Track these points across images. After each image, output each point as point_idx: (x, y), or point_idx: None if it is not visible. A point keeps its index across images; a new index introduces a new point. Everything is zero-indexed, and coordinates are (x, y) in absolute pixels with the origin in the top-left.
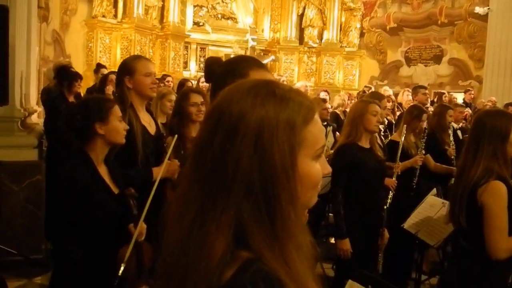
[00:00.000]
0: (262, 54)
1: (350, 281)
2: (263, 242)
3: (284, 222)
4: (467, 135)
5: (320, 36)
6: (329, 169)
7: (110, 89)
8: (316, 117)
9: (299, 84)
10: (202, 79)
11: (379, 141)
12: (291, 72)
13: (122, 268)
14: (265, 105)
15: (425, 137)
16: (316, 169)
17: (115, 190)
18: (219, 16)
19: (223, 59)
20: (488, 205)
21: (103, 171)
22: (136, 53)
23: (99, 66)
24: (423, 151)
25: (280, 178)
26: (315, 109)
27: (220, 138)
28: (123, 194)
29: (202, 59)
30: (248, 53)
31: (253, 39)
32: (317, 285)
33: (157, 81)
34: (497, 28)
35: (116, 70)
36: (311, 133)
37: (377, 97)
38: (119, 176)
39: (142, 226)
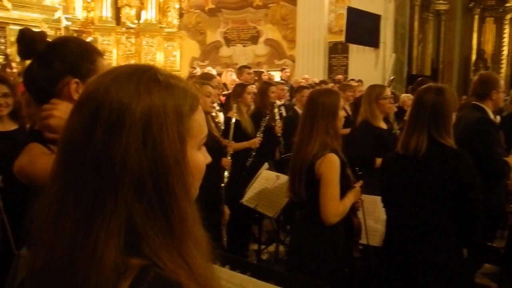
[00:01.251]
0: (76, 35)
1: None
2: (159, 243)
3: (181, 218)
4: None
5: (138, 17)
6: (209, 158)
7: None
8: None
9: None
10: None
11: (217, 120)
12: (109, 54)
13: None
14: (150, 93)
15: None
16: (202, 159)
17: None
18: None
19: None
20: (324, 176)
21: None
22: None
23: None
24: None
25: (173, 171)
26: (199, 96)
27: (101, 132)
28: None
29: (1, 40)
30: (62, 34)
31: (66, 18)
32: (217, 280)
33: None
34: (305, 12)
35: None
36: (197, 122)
37: (208, 77)
38: None
39: None
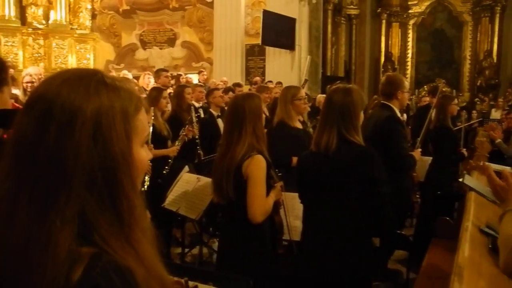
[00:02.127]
0: None
1: None
2: (109, 232)
3: (129, 208)
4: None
5: (46, 17)
6: (150, 155)
7: None
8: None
9: (33, 70)
10: None
11: None
12: (15, 56)
13: None
14: (99, 94)
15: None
16: (145, 155)
17: None
18: None
19: None
20: (251, 176)
21: None
22: None
23: None
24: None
25: (121, 165)
26: (142, 97)
27: (54, 131)
28: None
29: None
30: None
31: None
32: (162, 264)
33: None
34: (222, 14)
35: None
36: (141, 121)
37: (125, 82)
38: None
39: None
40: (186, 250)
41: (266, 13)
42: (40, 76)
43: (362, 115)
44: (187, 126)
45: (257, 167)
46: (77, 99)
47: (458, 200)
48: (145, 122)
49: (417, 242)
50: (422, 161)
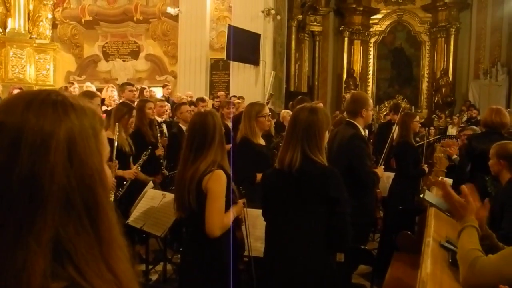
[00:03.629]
0: None
1: None
2: (86, 256)
3: (109, 226)
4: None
5: (3, 25)
6: (111, 174)
7: None
8: None
9: None
10: None
11: None
12: None
13: None
14: (69, 115)
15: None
16: (109, 172)
17: None
18: None
19: None
20: (211, 190)
21: None
22: None
23: None
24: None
25: (99, 183)
26: (101, 117)
27: (26, 155)
28: None
29: None
30: None
31: None
32: (137, 282)
33: None
34: (187, 28)
35: None
36: (104, 137)
37: (90, 95)
38: None
39: None
40: (150, 267)
41: (231, 28)
42: None
43: (327, 135)
44: (148, 153)
45: (217, 182)
46: (47, 123)
47: (419, 215)
48: (106, 140)
49: (380, 256)
50: (385, 177)
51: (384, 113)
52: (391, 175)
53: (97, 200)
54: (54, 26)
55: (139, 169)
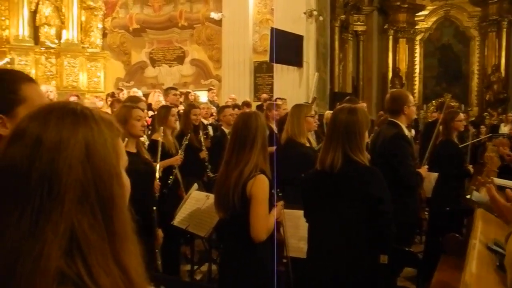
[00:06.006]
0: None
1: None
2: (97, 250)
3: (123, 222)
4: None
5: (59, 36)
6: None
7: None
8: None
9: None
10: None
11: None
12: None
13: None
14: (88, 122)
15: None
16: (127, 180)
17: None
18: None
19: None
20: (255, 196)
21: None
22: None
23: None
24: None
25: (114, 180)
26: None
27: (46, 154)
28: None
29: None
30: None
31: None
32: (145, 277)
33: None
34: (230, 32)
35: None
36: (121, 144)
37: (135, 100)
38: None
39: None
40: (195, 267)
41: (274, 31)
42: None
43: (366, 135)
44: (188, 137)
45: (260, 187)
46: (66, 127)
47: (467, 216)
48: (124, 148)
49: (426, 259)
50: (429, 177)
51: (431, 112)
52: (436, 175)
53: (112, 195)
54: (104, 35)
55: (183, 155)
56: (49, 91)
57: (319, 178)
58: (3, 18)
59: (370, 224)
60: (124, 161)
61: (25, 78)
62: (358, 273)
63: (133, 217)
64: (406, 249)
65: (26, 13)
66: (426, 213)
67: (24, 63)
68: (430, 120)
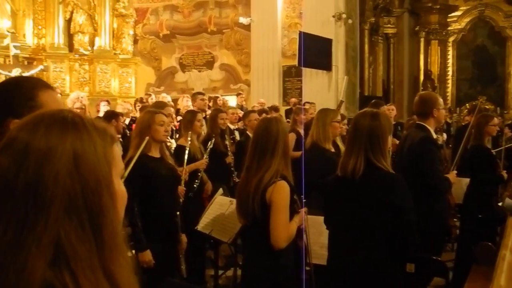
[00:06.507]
0: (26, 63)
1: None
2: (84, 263)
3: (113, 233)
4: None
5: (92, 43)
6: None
7: None
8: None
9: (74, 96)
10: None
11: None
12: (62, 81)
13: None
14: (78, 130)
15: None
16: (124, 189)
17: None
18: None
19: None
20: (275, 202)
21: None
22: None
23: None
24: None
25: (104, 191)
26: (114, 133)
27: (33, 162)
28: None
29: None
30: (11, 62)
31: (15, 47)
32: None
33: None
34: (259, 36)
35: None
36: (117, 152)
37: (161, 106)
38: None
39: None
40: (220, 272)
41: (303, 35)
42: (80, 100)
43: (390, 140)
44: (213, 141)
45: (280, 194)
46: (54, 135)
47: (500, 224)
48: (120, 156)
49: (457, 268)
50: (460, 182)
51: (464, 116)
52: (466, 180)
53: (101, 206)
54: (135, 41)
55: (207, 159)
56: (80, 96)
57: (340, 184)
58: (39, 27)
59: (392, 232)
60: (119, 169)
61: (43, 85)
62: (379, 281)
63: (156, 222)
64: (434, 257)
65: (61, 22)
66: (455, 220)
67: (59, 70)
68: (463, 124)
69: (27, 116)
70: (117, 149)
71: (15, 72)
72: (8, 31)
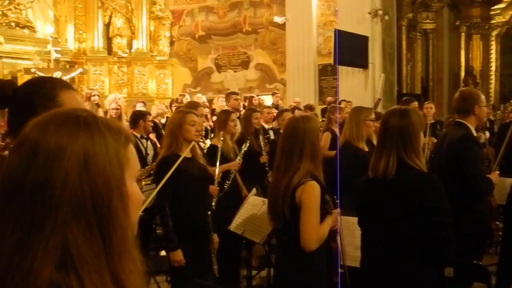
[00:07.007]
0: (67, 66)
1: None
2: (91, 266)
3: (122, 237)
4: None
5: (130, 46)
6: (143, 197)
7: None
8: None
9: (111, 97)
10: None
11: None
12: (102, 84)
13: None
14: (90, 130)
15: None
16: (139, 191)
17: None
18: (13, 24)
19: (23, 72)
20: (305, 203)
21: None
22: None
23: None
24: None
25: (114, 194)
26: (130, 134)
27: (42, 162)
28: None
29: None
30: (52, 66)
31: (56, 51)
32: None
33: None
34: (294, 36)
35: None
36: (132, 154)
37: (193, 106)
38: None
39: None
40: (254, 272)
41: (338, 32)
42: (117, 101)
43: (422, 137)
44: (247, 144)
45: (310, 194)
46: (65, 134)
47: None
48: (136, 158)
49: (501, 273)
50: (504, 182)
51: (509, 113)
52: (510, 180)
53: (111, 209)
54: (171, 43)
55: (241, 161)
56: (117, 98)
57: (371, 185)
58: (80, 32)
59: (426, 234)
60: (134, 171)
61: (64, 86)
62: (417, 286)
63: (187, 222)
64: (474, 262)
65: (100, 26)
66: (497, 222)
67: (98, 73)
68: (507, 121)
69: (41, 115)
70: (133, 150)
71: (56, 75)
72: (51, 37)
